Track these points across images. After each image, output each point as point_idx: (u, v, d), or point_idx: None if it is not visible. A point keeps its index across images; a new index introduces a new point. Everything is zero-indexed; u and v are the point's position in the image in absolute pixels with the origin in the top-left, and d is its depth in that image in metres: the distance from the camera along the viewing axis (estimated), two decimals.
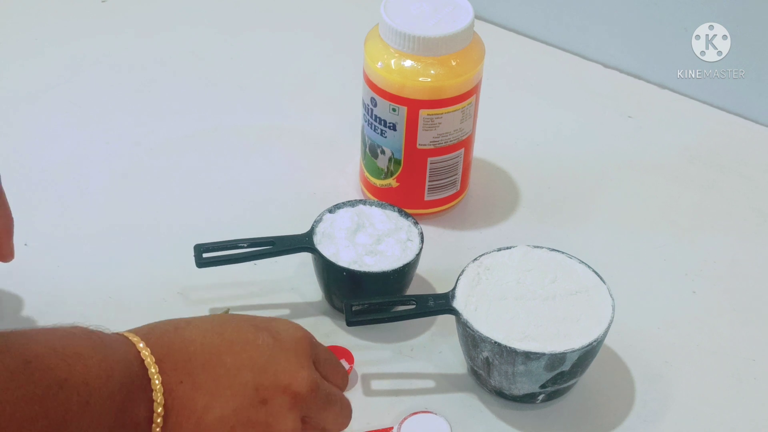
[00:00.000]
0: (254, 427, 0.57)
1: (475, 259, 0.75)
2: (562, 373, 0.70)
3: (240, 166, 0.95)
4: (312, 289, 0.82)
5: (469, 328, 0.71)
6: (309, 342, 0.62)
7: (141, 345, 0.56)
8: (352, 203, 0.81)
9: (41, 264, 0.83)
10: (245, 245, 0.79)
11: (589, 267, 0.75)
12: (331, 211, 0.81)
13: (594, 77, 1.08)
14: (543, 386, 0.71)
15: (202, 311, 0.80)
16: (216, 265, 0.78)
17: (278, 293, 0.82)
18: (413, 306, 0.74)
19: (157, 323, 0.59)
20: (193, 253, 0.78)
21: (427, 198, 0.87)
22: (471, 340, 0.71)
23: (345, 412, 0.63)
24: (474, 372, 0.75)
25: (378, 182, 0.87)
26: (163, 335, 0.57)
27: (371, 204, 0.82)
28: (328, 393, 0.61)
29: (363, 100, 0.85)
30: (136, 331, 0.57)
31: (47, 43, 1.09)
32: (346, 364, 0.74)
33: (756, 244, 0.89)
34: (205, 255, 0.78)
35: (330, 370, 0.63)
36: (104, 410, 0.52)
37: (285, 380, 0.58)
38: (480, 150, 0.90)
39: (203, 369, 0.56)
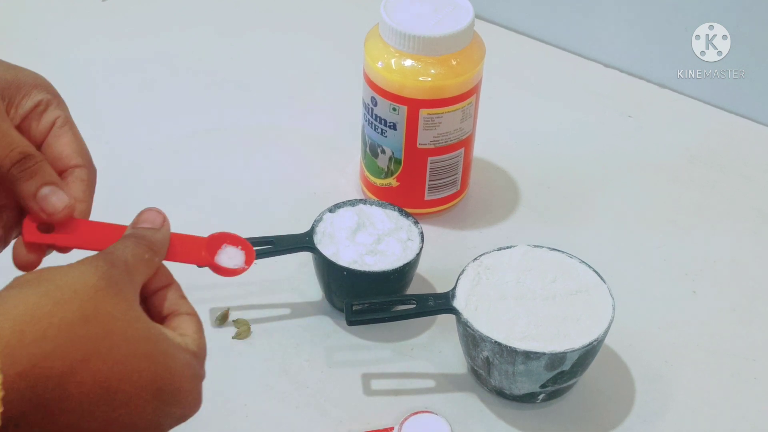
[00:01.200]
0: None
1: (475, 259, 0.75)
2: (562, 373, 0.70)
3: (240, 166, 0.95)
4: (312, 289, 0.82)
5: (469, 327, 0.71)
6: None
7: None
8: (352, 203, 0.81)
9: (41, 264, 0.82)
10: None
11: (589, 266, 0.75)
12: (331, 210, 0.81)
13: (594, 77, 1.08)
14: (543, 386, 0.71)
15: (203, 311, 0.80)
16: None
17: (278, 293, 0.82)
18: (413, 305, 0.74)
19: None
20: None
21: (427, 197, 0.87)
22: (471, 339, 0.71)
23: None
24: (474, 372, 0.75)
25: (378, 182, 0.87)
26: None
27: (372, 203, 0.82)
28: None
29: (363, 100, 0.85)
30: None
31: (47, 43, 1.09)
32: (239, 256, 0.60)
33: (756, 244, 0.89)
34: None
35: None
36: None
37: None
38: (480, 150, 0.90)
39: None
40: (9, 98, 0.57)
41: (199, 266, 0.60)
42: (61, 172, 0.58)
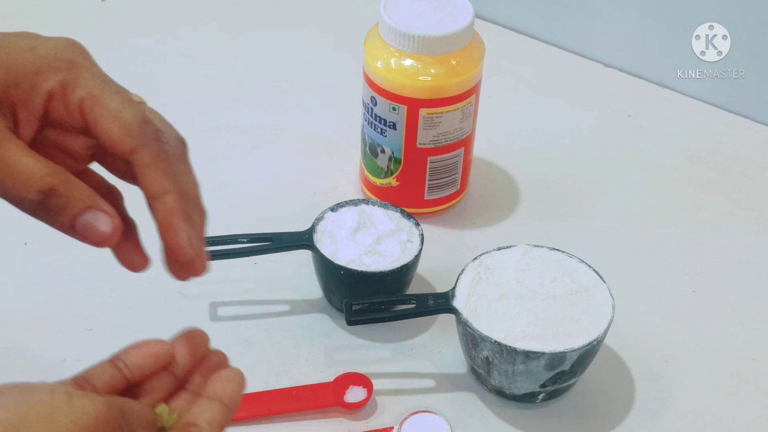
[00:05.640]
0: None
1: (475, 259, 0.75)
2: (562, 373, 0.70)
3: (240, 166, 0.95)
4: (312, 289, 0.82)
5: (469, 327, 0.71)
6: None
7: None
8: (355, 202, 0.81)
9: (41, 264, 0.82)
10: (245, 240, 0.79)
11: (589, 266, 0.75)
12: (333, 209, 0.80)
13: (594, 77, 1.08)
14: (543, 386, 0.71)
15: (202, 306, 0.80)
16: (215, 260, 0.78)
17: (278, 291, 0.82)
18: (413, 305, 0.74)
19: None
20: None
21: (427, 197, 0.87)
22: (471, 339, 0.71)
23: None
24: (474, 371, 0.75)
25: (378, 181, 0.87)
26: None
27: (374, 204, 0.81)
28: None
29: (363, 100, 0.85)
30: None
31: None
32: (364, 393, 0.72)
33: (756, 244, 0.89)
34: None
35: None
36: None
37: None
38: (480, 149, 0.90)
39: None
40: (14, 103, 0.48)
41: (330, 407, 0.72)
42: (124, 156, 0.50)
